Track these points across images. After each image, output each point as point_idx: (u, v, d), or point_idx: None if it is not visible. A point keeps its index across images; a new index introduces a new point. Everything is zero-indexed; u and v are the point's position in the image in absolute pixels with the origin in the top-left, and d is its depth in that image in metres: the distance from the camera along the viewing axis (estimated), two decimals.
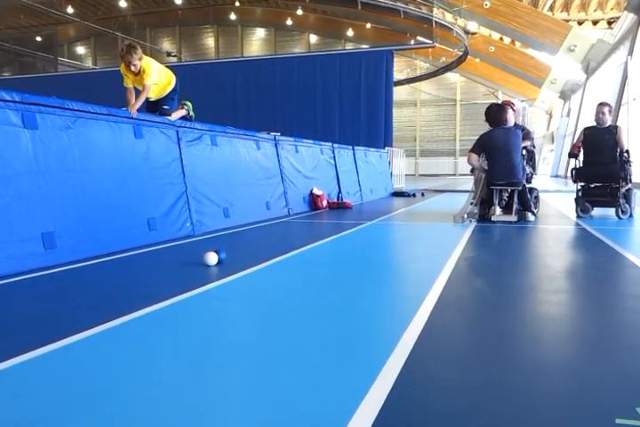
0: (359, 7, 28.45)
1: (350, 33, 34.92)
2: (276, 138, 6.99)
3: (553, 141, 35.08)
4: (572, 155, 6.25)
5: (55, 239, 3.27)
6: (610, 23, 29.35)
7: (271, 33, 38.49)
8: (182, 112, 5.49)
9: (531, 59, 31.37)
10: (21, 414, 1.27)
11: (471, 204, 5.83)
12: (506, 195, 5.75)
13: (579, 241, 4.59)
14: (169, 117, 4.90)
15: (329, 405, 1.30)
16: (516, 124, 6.10)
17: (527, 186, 5.76)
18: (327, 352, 1.68)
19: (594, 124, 6.24)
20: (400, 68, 33.22)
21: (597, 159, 6.00)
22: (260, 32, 39.00)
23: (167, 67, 5.28)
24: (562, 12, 31.01)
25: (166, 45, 38.72)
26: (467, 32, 28.62)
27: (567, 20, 29.12)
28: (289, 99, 14.32)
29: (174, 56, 35.87)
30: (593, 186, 6.18)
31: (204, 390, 1.39)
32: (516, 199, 5.63)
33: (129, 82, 4.81)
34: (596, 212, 6.34)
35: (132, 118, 4.25)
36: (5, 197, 3.03)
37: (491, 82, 36.92)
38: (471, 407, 1.29)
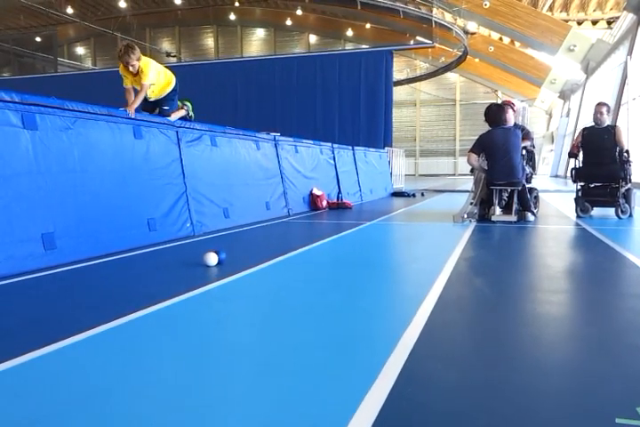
0: (359, 7, 28.45)
1: (350, 33, 34.94)
2: (276, 138, 6.99)
3: (553, 141, 35.08)
4: (572, 155, 6.25)
5: (55, 240, 3.27)
6: (609, 23, 29.37)
7: (271, 33, 38.51)
8: (182, 112, 5.49)
9: (530, 59, 31.37)
10: (21, 414, 1.27)
11: (471, 204, 5.83)
12: (506, 195, 5.75)
13: (579, 241, 4.59)
14: (169, 118, 4.91)
15: (329, 405, 1.30)
16: (515, 124, 6.10)
17: (527, 186, 5.76)
18: (327, 352, 1.68)
19: (592, 124, 6.25)
20: (400, 68, 33.25)
21: (597, 159, 6.00)
22: (259, 32, 39.02)
23: (167, 67, 5.27)
24: (561, 12, 31.02)
25: (166, 46, 38.72)
26: (466, 32, 28.62)
27: (566, 20, 29.14)
28: (289, 99, 14.31)
29: (174, 56, 35.85)
30: (593, 186, 6.18)
31: (204, 391, 1.39)
32: (515, 199, 5.63)
33: (128, 82, 4.81)
34: (596, 212, 6.34)
35: (131, 119, 4.24)
36: (5, 198, 3.03)
37: (490, 82, 36.93)
38: (471, 407, 1.29)
